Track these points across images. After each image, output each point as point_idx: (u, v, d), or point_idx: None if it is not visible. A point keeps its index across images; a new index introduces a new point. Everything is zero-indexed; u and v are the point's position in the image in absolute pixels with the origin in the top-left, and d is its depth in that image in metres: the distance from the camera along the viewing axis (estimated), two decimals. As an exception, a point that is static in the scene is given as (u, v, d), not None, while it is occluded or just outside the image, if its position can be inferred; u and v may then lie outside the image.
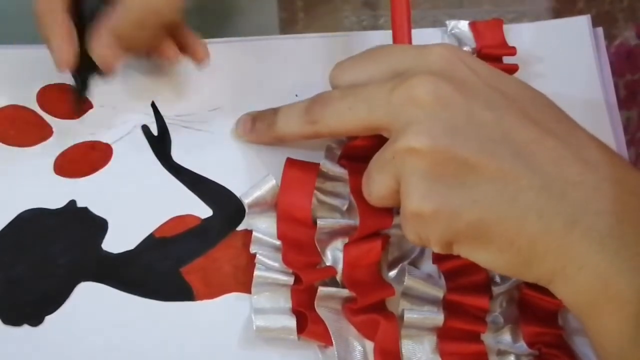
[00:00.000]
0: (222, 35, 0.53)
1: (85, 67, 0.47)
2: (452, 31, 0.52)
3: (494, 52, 0.51)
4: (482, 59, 0.50)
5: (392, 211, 0.46)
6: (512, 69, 0.51)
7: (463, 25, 0.52)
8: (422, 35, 0.52)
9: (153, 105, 0.51)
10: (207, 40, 0.50)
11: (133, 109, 0.50)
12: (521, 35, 0.53)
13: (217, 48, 0.51)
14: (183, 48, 0.49)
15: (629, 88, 0.55)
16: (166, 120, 0.50)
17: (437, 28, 0.53)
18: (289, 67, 0.51)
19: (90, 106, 0.50)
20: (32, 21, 0.51)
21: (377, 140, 0.48)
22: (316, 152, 0.49)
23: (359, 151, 0.48)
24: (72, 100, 0.50)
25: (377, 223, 0.46)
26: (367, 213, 0.46)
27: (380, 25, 0.52)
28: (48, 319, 0.45)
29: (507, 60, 0.51)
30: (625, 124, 0.55)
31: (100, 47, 0.46)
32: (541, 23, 0.53)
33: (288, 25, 0.54)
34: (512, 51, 0.51)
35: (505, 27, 0.52)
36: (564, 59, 0.52)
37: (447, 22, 0.52)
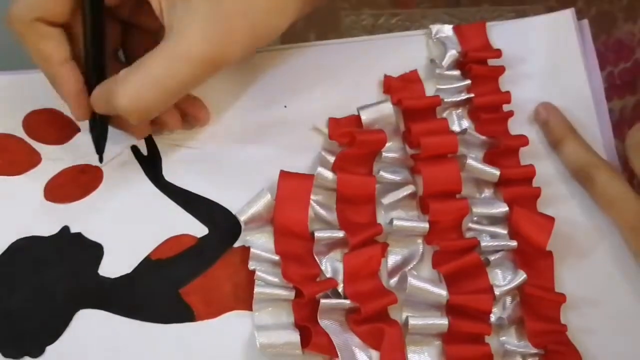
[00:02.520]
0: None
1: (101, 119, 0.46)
2: (437, 36, 0.52)
3: (479, 56, 0.51)
4: (468, 63, 0.50)
5: (375, 215, 0.47)
6: (498, 71, 0.51)
7: (447, 30, 0.52)
8: (406, 40, 0.52)
9: (141, 125, 0.50)
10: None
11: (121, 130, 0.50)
12: (506, 33, 0.52)
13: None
14: (184, 111, 0.48)
15: (622, 77, 0.55)
16: (155, 139, 0.50)
17: (422, 33, 0.52)
18: (276, 79, 0.51)
19: (78, 129, 0.49)
20: (15, 47, 0.51)
21: (369, 149, 0.48)
22: (310, 161, 0.49)
23: (352, 159, 0.48)
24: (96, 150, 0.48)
25: (364, 230, 0.46)
26: (352, 223, 0.46)
27: (380, 25, 0.52)
28: (49, 349, 0.44)
29: (492, 62, 0.51)
30: (620, 113, 0.55)
31: (137, 128, 0.46)
32: (525, 20, 0.53)
33: (288, 25, 0.53)
34: (497, 54, 0.51)
35: (490, 25, 0.52)
36: (550, 55, 0.52)
37: (431, 26, 0.52)
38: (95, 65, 0.45)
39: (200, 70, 0.41)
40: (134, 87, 0.41)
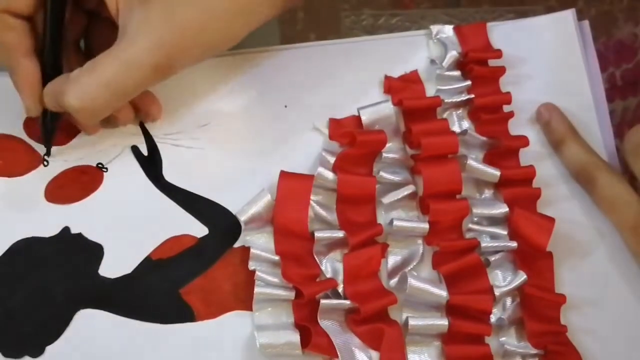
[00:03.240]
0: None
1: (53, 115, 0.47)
2: (437, 36, 0.52)
3: (480, 56, 0.51)
4: (469, 64, 0.50)
5: (375, 215, 0.47)
6: (499, 72, 0.51)
7: (448, 30, 0.52)
8: (407, 41, 0.52)
9: (141, 125, 0.50)
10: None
11: (121, 130, 0.50)
12: (506, 34, 0.52)
13: (204, 63, 0.50)
14: (136, 106, 0.49)
15: (624, 78, 0.55)
16: (155, 140, 0.50)
17: (423, 34, 0.52)
18: (277, 79, 0.51)
19: (79, 131, 0.49)
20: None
21: (370, 150, 0.48)
22: (310, 161, 0.49)
23: (352, 159, 0.48)
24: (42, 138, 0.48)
25: (364, 231, 0.46)
26: (352, 223, 0.46)
27: (380, 25, 0.52)
28: (49, 349, 0.44)
29: (493, 63, 0.51)
30: (622, 114, 0.55)
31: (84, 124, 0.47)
32: (526, 20, 0.53)
33: (288, 24, 0.53)
34: (497, 54, 0.51)
35: (490, 25, 0.52)
36: (550, 56, 0.52)
37: (432, 27, 0.52)
38: (53, 61, 0.45)
39: (149, 76, 0.43)
40: (84, 88, 0.42)
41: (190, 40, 0.43)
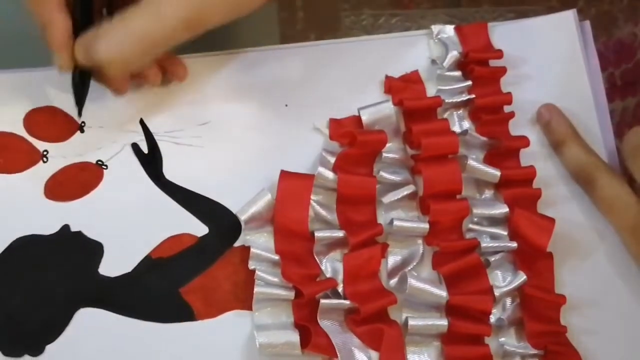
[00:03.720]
0: (221, 35, 0.53)
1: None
2: (438, 36, 0.52)
3: (481, 56, 0.50)
4: (470, 64, 0.50)
5: (375, 215, 0.47)
6: (499, 72, 0.51)
7: (449, 30, 0.52)
8: (407, 41, 0.52)
9: (142, 122, 0.50)
10: (193, 55, 0.50)
11: (121, 128, 0.50)
12: (507, 34, 0.52)
13: (205, 62, 0.50)
14: (163, 67, 0.49)
15: (624, 78, 0.55)
16: (156, 137, 0.50)
17: (423, 34, 0.52)
18: (277, 79, 0.51)
19: (78, 127, 0.49)
20: (14, 45, 0.50)
21: (370, 150, 0.48)
22: (310, 161, 0.49)
23: (352, 159, 0.48)
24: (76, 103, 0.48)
25: (365, 231, 0.46)
26: (352, 223, 0.46)
27: (380, 25, 0.52)
28: (49, 348, 0.44)
29: (494, 63, 0.51)
30: (622, 114, 0.55)
31: (114, 78, 0.46)
32: (527, 20, 0.53)
33: (288, 25, 0.53)
34: (498, 54, 0.51)
35: (491, 26, 0.52)
36: (551, 56, 0.52)
37: (433, 27, 0.52)
38: (84, 15, 0.45)
39: (180, 30, 0.43)
40: (114, 40, 0.43)
41: None
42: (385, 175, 0.48)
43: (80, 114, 0.48)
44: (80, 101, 0.48)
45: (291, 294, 0.45)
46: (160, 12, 0.42)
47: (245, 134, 0.50)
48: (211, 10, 0.43)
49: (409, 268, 0.46)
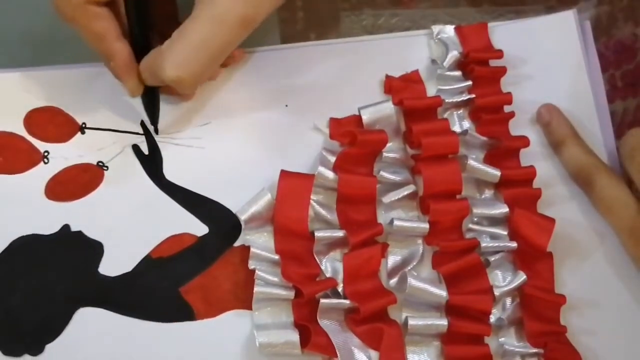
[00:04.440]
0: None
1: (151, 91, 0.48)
2: (438, 36, 0.52)
3: (481, 56, 0.51)
4: (470, 64, 0.50)
5: (375, 215, 0.47)
6: (500, 72, 0.51)
7: (449, 30, 0.52)
8: (408, 40, 0.52)
9: (142, 124, 0.50)
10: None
11: (122, 129, 0.50)
12: (507, 34, 0.52)
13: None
14: None
15: (625, 79, 0.55)
16: (156, 139, 0.50)
17: (424, 34, 0.52)
18: (277, 79, 0.51)
19: (79, 128, 0.49)
20: (15, 45, 0.50)
21: (370, 149, 0.48)
22: (310, 161, 0.49)
23: (352, 159, 0.48)
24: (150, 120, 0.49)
25: (365, 230, 0.46)
26: (352, 223, 0.46)
27: (380, 25, 0.52)
28: (49, 347, 0.44)
29: (494, 63, 0.51)
30: (623, 115, 0.55)
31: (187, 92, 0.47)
32: (527, 20, 0.53)
33: (288, 24, 0.53)
34: (499, 54, 0.51)
35: (492, 26, 0.52)
36: (551, 56, 0.52)
37: (433, 27, 0.52)
38: (142, 39, 0.46)
39: (238, 29, 0.43)
40: (179, 57, 0.43)
41: None
42: (385, 175, 0.48)
43: (157, 130, 0.49)
44: (155, 119, 0.49)
45: (291, 294, 0.45)
46: (216, 15, 0.42)
47: (245, 134, 0.50)
48: (263, 5, 0.43)
49: (409, 268, 0.46)
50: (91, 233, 0.47)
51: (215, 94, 0.51)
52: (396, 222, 0.46)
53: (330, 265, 0.46)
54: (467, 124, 0.50)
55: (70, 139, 0.50)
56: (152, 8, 0.47)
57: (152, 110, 0.48)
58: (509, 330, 0.46)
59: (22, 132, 0.49)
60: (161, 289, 0.46)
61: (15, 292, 0.45)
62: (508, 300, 0.46)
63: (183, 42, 0.43)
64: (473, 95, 0.50)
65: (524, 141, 0.49)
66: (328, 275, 0.46)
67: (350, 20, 0.51)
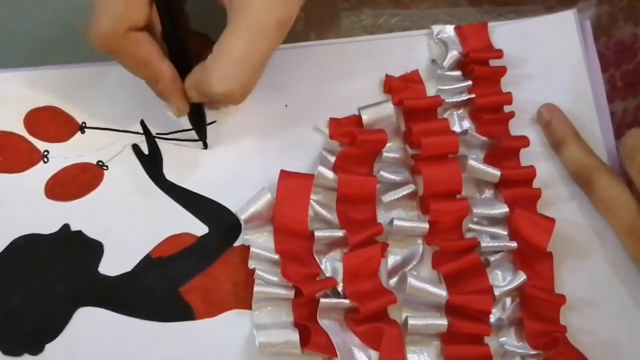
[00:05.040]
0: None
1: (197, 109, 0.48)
2: (438, 36, 0.52)
3: (481, 56, 0.51)
4: (470, 64, 0.50)
5: (375, 215, 0.47)
6: (500, 72, 0.51)
7: (449, 30, 0.52)
8: (408, 40, 0.52)
9: (142, 123, 0.50)
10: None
11: (122, 129, 0.50)
12: (507, 34, 0.52)
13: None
14: None
15: (624, 79, 0.55)
16: (156, 138, 0.50)
17: (424, 33, 0.52)
18: (277, 79, 0.51)
19: (79, 128, 0.49)
20: (15, 45, 0.50)
21: (370, 149, 0.48)
22: (310, 161, 0.49)
23: (352, 159, 0.48)
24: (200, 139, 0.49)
25: (365, 230, 0.46)
26: (352, 223, 0.46)
27: (380, 25, 0.52)
28: (48, 346, 0.44)
29: (494, 63, 0.51)
30: (623, 115, 0.55)
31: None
32: (527, 20, 0.53)
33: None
34: (498, 54, 0.51)
35: (492, 25, 0.52)
36: (551, 56, 0.52)
37: (433, 27, 0.52)
38: (182, 57, 0.46)
39: (276, 34, 0.43)
40: (224, 71, 0.42)
41: None
42: (385, 174, 0.48)
43: (205, 145, 0.49)
44: (204, 134, 0.49)
45: (291, 293, 0.45)
46: (253, 25, 0.42)
47: (245, 134, 0.50)
48: (294, 6, 0.43)
49: (409, 267, 0.46)
50: (91, 233, 0.47)
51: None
52: (396, 222, 0.46)
53: (330, 264, 0.46)
54: (467, 124, 0.50)
55: (70, 138, 0.50)
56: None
57: (201, 126, 0.49)
58: (509, 330, 0.46)
59: (22, 131, 0.50)
60: (161, 289, 0.46)
61: (15, 291, 0.45)
62: (508, 300, 0.46)
63: (226, 56, 0.42)
64: (473, 95, 0.50)
65: (524, 141, 0.49)
66: (328, 274, 0.46)
67: (350, 20, 0.51)
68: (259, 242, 0.46)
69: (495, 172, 0.48)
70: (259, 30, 0.42)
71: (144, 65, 0.45)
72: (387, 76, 0.51)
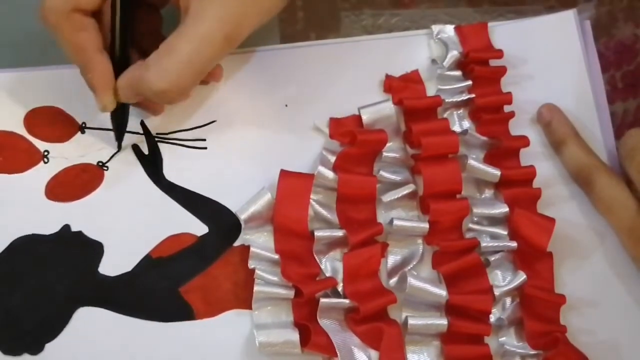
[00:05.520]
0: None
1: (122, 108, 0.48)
2: (439, 36, 0.52)
3: (481, 56, 0.51)
4: (470, 63, 0.50)
5: (375, 215, 0.47)
6: (500, 72, 0.51)
7: (449, 30, 0.52)
8: (408, 40, 0.52)
9: (142, 123, 0.50)
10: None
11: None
12: (507, 34, 0.52)
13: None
14: None
15: (625, 80, 0.55)
16: (156, 139, 0.50)
17: (424, 33, 0.52)
18: (277, 79, 0.51)
19: (79, 128, 0.49)
20: (15, 45, 0.51)
21: (370, 149, 0.48)
22: (310, 161, 0.49)
23: (352, 159, 0.48)
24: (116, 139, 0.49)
25: (365, 230, 0.46)
26: (352, 222, 0.46)
27: (380, 25, 0.52)
28: (48, 346, 0.44)
29: (494, 63, 0.51)
30: (623, 115, 0.55)
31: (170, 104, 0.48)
32: (527, 20, 0.53)
33: (288, 24, 0.53)
34: (499, 54, 0.51)
35: (492, 25, 0.52)
36: (551, 56, 0.52)
37: (433, 26, 0.52)
38: (122, 54, 0.46)
39: (223, 47, 0.44)
40: (167, 70, 0.43)
41: (251, 6, 0.44)
42: (385, 174, 0.48)
43: (120, 147, 0.49)
44: (121, 136, 0.49)
45: (291, 293, 0.45)
46: (203, 33, 0.43)
47: (245, 133, 0.50)
48: (247, 22, 0.44)
49: (409, 267, 0.46)
50: (91, 233, 0.47)
51: (215, 94, 0.51)
52: (396, 222, 0.46)
53: (330, 264, 0.46)
54: (467, 124, 0.50)
55: (70, 138, 0.50)
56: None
57: (121, 129, 0.48)
58: (509, 330, 0.46)
59: (22, 131, 0.50)
60: (161, 289, 0.46)
61: (15, 291, 0.45)
62: (508, 300, 0.46)
63: (172, 55, 0.43)
64: (473, 95, 0.50)
65: (524, 141, 0.49)
66: (328, 274, 0.46)
67: (350, 20, 0.51)
68: (259, 242, 0.46)
69: (495, 172, 0.48)
70: (208, 39, 0.43)
71: (79, 52, 0.45)
72: (387, 76, 0.51)
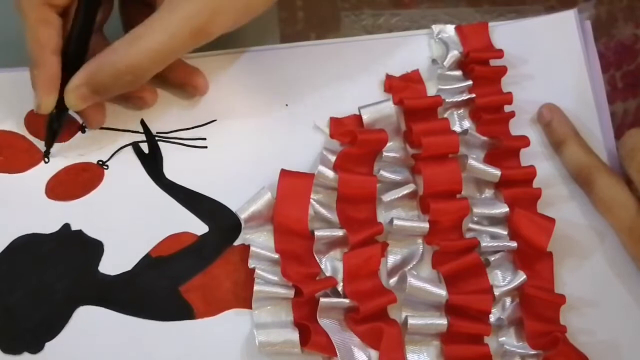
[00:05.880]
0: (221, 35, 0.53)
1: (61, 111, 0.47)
2: (439, 36, 0.52)
3: (481, 56, 0.51)
4: (470, 63, 0.50)
5: (375, 215, 0.47)
6: (500, 72, 0.51)
7: (450, 30, 0.52)
8: (408, 40, 0.52)
9: (142, 122, 0.50)
10: (193, 55, 0.50)
11: (122, 128, 0.50)
12: (508, 34, 0.52)
13: (205, 61, 0.51)
14: (182, 81, 0.49)
15: (625, 80, 0.56)
16: (156, 138, 0.50)
17: (424, 33, 0.52)
18: (277, 78, 0.51)
19: (80, 127, 0.50)
20: (15, 45, 0.51)
21: (370, 149, 0.48)
22: (310, 161, 0.49)
23: (353, 158, 0.48)
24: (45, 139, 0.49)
25: (365, 229, 0.46)
26: (352, 222, 0.46)
27: (380, 25, 0.52)
28: (48, 345, 0.44)
29: (494, 62, 0.51)
30: (623, 115, 0.55)
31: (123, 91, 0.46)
32: (528, 20, 0.53)
33: (288, 24, 0.53)
34: (499, 54, 0.51)
35: (492, 25, 0.52)
36: (551, 56, 0.52)
37: (433, 26, 0.52)
38: (77, 59, 0.46)
39: (187, 42, 0.44)
40: (130, 57, 0.43)
41: (227, 3, 0.44)
42: (385, 174, 0.48)
43: (48, 152, 0.48)
44: (52, 143, 0.48)
45: (291, 293, 0.45)
46: (170, 26, 0.43)
47: (246, 133, 0.50)
48: (219, 19, 0.44)
49: (409, 267, 0.46)
50: (91, 232, 0.47)
51: (215, 93, 0.51)
52: (396, 222, 0.46)
53: (330, 264, 0.46)
54: (467, 124, 0.50)
55: (70, 138, 0.50)
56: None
57: (53, 133, 0.48)
58: (509, 330, 0.46)
59: (23, 131, 0.49)
60: (161, 288, 0.46)
61: (15, 290, 0.45)
62: (508, 300, 0.46)
63: (135, 44, 0.43)
64: (473, 95, 0.50)
65: (524, 141, 0.49)
66: (328, 274, 0.46)
67: (350, 20, 0.51)
68: (259, 242, 0.46)
69: (495, 172, 0.48)
70: (176, 32, 0.43)
71: (36, 46, 0.45)
72: (387, 76, 0.51)
